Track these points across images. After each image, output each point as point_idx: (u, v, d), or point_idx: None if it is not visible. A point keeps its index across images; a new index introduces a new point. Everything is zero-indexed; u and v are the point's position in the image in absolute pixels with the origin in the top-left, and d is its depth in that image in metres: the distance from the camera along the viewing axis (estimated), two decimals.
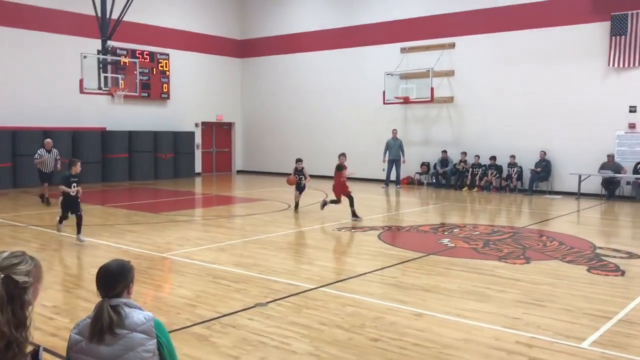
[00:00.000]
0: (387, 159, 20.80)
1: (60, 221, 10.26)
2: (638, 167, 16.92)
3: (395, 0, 21.87)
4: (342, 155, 13.44)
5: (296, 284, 7.30)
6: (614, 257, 9.07)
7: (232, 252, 9.30)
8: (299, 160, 14.03)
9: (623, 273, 8.06)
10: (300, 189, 13.90)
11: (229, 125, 27.21)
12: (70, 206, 9.98)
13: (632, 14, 16.97)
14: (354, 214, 12.67)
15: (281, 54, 25.59)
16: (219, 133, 26.90)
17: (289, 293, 6.88)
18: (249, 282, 7.40)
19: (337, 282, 7.56)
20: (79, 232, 9.92)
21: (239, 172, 27.29)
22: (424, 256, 9.12)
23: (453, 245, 10.02)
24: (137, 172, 22.38)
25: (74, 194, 9.84)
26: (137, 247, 9.57)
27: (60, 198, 10.31)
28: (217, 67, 26.11)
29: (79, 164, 10.14)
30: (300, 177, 13.88)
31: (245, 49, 26.92)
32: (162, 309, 6.29)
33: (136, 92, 19.42)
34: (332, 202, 13.18)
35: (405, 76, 21.30)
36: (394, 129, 21.12)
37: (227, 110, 26.60)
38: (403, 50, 21.65)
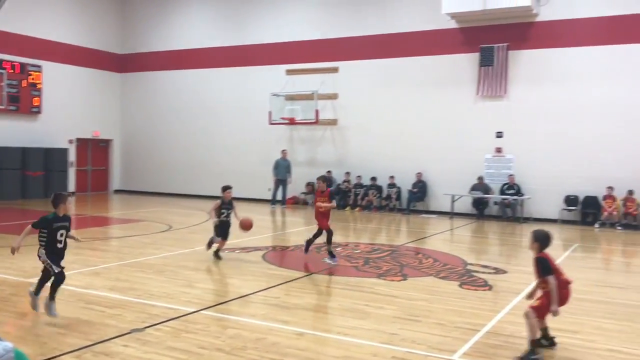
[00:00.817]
0: (275, 178, 20.83)
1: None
2: (504, 188, 18.27)
3: (283, 22, 22.18)
4: (320, 178, 10.54)
5: (175, 308, 7.04)
6: (483, 272, 9.67)
7: (107, 276, 8.81)
8: (227, 188, 10.27)
9: (491, 287, 8.60)
10: (224, 231, 10.18)
11: (107, 142, 26.00)
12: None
13: (499, 47, 18.44)
14: (330, 253, 10.25)
15: (166, 69, 24.96)
16: (95, 150, 25.60)
17: (168, 317, 6.62)
18: (124, 307, 7.02)
19: (219, 304, 7.39)
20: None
21: (116, 191, 26.08)
22: (307, 275, 9.18)
23: (335, 263, 10.18)
24: (2, 191, 20.67)
25: (60, 245, 6.54)
26: None
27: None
28: (95, 82, 24.93)
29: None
30: (228, 212, 10.24)
31: (126, 63, 25.95)
32: (26, 339, 5.80)
33: (2, 105, 18.01)
34: (314, 236, 10.57)
35: (291, 97, 21.58)
36: (284, 149, 21.28)
37: (105, 126, 25.41)
38: (289, 72, 21.94)
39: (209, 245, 10.31)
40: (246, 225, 9.98)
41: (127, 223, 15.62)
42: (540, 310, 5.60)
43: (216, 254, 10.24)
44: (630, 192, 16.53)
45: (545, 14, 17.87)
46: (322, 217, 10.29)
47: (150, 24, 25.29)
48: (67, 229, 6.55)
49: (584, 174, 17.20)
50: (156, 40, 25.18)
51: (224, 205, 10.13)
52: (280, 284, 8.55)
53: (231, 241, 12.40)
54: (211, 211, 10.20)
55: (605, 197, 16.83)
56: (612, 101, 16.98)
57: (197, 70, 24.14)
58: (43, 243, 6.42)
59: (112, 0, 25.60)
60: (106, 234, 14.23)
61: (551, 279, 5.51)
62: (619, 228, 16.39)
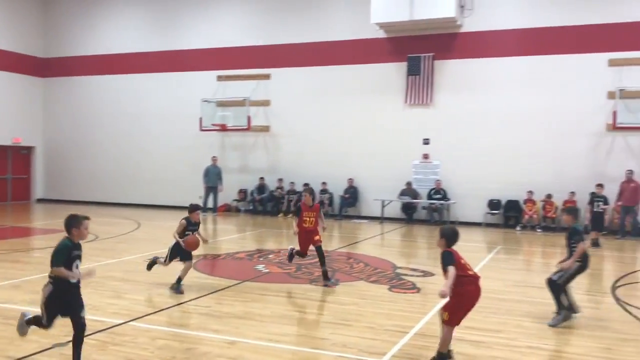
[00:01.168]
0: (206, 186, 20.54)
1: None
2: (431, 193, 18.82)
3: (215, 27, 21.98)
4: (306, 190, 9.67)
5: (102, 320, 6.84)
6: (412, 275, 9.93)
7: (29, 289, 8.44)
8: (195, 209, 8.87)
9: (419, 290, 8.85)
10: (186, 252, 8.65)
11: (28, 149, 24.88)
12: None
13: (425, 56, 19.02)
14: (324, 275, 9.12)
15: (92, 74, 24.17)
16: (16, 158, 24.44)
17: (94, 330, 6.42)
18: None
19: (148, 315, 7.24)
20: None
21: (39, 200, 24.98)
22: (239, 283, 9.14)
23: (268, 271, 10.19)
24: None
25: (74, 280, 5.24)
26: None
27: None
28: (14, 86, 23.82)
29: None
30: (193, 233, 8.75)
31: (49, 67, 24.93)
32: None
33: None
34: (297, 254, 9.50)
35: (223, 104, 21.41)
36: (214, 156, 21.04)
37: (26, 133, 24.31)
38: (220, 78, 21.76)
39: (151, 266, 9.09)
40: (192, 244, 8.57)
41: (50, 233, 14.99)
42: (453, 313, 5.51)
43: (177, 285, 8.49)
44: (549, 196, 17.41)
45: (469, 26, 18.61)
46: (307, 237, 9.07)
47: (76, 27, 24.43)
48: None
49: (505, 179, 17.97)
50: (82, 44, 24.34)
51: (190, 226, 8.74)
52: (211, 292, 8.46)
53: (160, 250, 12.14)
54: (175, 234, 8.59)
55: (525, 201, 17.67)
56: (531, 109, 17.85)
57: (126, 76, 23.53)
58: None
59: (34, 2, 24.57)
60: (28, 245, 13.62)
61: (451, 269, 5.40)
62: (539, 230, 17.22)
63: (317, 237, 9.05)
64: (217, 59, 21.89)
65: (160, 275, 9.58)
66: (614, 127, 16.79)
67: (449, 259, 5.53)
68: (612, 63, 16.91)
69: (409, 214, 19.09)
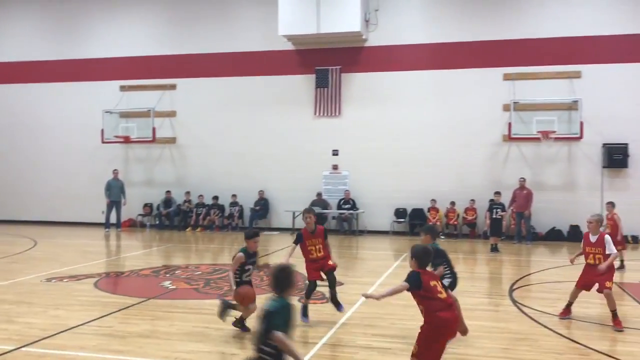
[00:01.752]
0: (108, 200, 19.66)
1: None
2: (341, 203, 19.09)
3: (117, 36, 21.21)
4: (308, 211, 8.06)
5: None
6: (321, 286, 9.90)
7: None
8: (254, 235, 7.38)
9: (328, 300, 8.87)
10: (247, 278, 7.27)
11: None
12: None
13: (332, 69, 19.34)
14: (334, 300, 7.96)
15: None
16: None
17: None
18: None
19: (43, 339, 6.79)
20: None
21: None
22: (144, 301, 8.79)
23: (174, 287, 9.89)
24: None
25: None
26: None
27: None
28: None
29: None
30: (253, 269, 7.39)
31: None
32: None
33: None
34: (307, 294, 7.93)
35: (126, 115, 20.69)
36: (115, 169, 20.20)
37: None
38: (123, 88, 21.02)
39: (224, 312, 7.12)
40: (245, 298, 6.87)
41: None
42: (423, 345, 4.93)
43: (241, 324, 7.14)
44: (452, 204, 18.16)
45: (374, 40, 19.13)
46: (318, 265, 7.89)
47: None
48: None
49: (411, 188, 18.56)
50: None
51: (249, 259, 7.15)
52: (115, 312, 8.09)
53: (59, 269, 11.54)
54: (231, 273, 7.08)
55: (429, 209, 18.33)
56: (434, 120, 18.58)
57: (23, 85, 22.15)
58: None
59: None
60: None
61: (405, 284, 4.92)
62: (442, 237, 17.90)
63: (330, 262, 7.87)
64: (120, 69, 21.13)
65: (58, 297, 9.05)
66: (509, 138, 17.80)
67: (413, 279, 4.90)
68: (507, 77, 17.95)
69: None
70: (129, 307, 8.40)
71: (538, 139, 17.32)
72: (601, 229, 8.02)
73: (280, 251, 15.03)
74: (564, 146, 17.66)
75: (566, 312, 7.96)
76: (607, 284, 7.50)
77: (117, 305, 8.46)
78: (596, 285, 7.68)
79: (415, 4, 19.06)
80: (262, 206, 19.67)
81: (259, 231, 7.74)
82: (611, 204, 12.85)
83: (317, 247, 7.78)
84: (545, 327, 7.48)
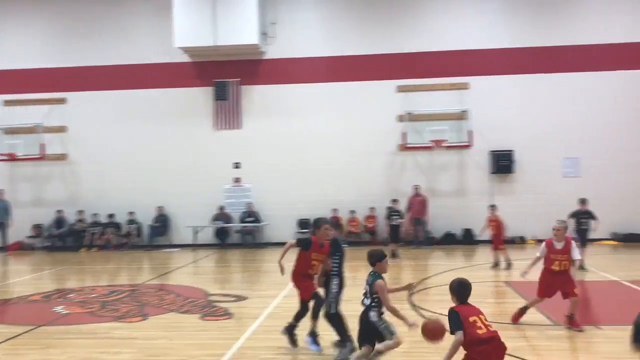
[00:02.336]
0: None
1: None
2: (244, 217, 18.93)
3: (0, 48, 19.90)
4: (325, 222, 7.11)
5: None
6: (225, 301, 9.82)
7: None
8: (383, 257, 6.02)
9: (232, 316, 8.78)
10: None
11: None
12: None
13: (231, 81, 19.21)
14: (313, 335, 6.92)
15: None
16: None
17: None
18: None
19: None
20: None
21: None
22: (33, 329, 8.23)
23: (68, 312, 9.34)
24: None
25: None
26: None
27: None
28: None
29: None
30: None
31: None
32: None
33: None
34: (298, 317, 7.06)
35: (11, 131, 19.41)
36: (1, 189, 18.86)
37: None
38: (7, 102, 19.71)
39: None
40: (435, 334, 5.09)
41: None
42: None
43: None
44: (352, 212, 18.55)
45: (272, 53, 19.23)
46: (311, 279, 7.07)
47: None
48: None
49: (313, 199, 18.74)
50: None
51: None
52: (1, 342, 7.51)
53: None
54: (390, 304, 5.99)
55: (332, 218, 18.61)
56: (334, 131, 18.94)
57: None
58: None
59: None
60: None
61: (458, 335, 4.67)
62: (345, 245, 18.16)
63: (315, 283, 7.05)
64: (3, 82, 19.79)
65: None
66: (404, 147, 18.49)
67: (454, 321, 4.71)
68: (400, 89, 18.65)
69: (222, 239, 18.96)
70: (16, 336, 7.84)
71: (431, 147, 18.14)
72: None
73: (179, 269, 14.65)
74: (455, 154, 18.59)
75: (519, 316, 7.81)
76: (575, 290, 7.48)
77: (3, 336, 7.87)
78: (559, 292, 7.60)
79: (312, 19, 19.39)
80: (162, 222, 19.09)
81: (384, 254, 6.15)
82: (493, 207, 13.71)
83: (319, 262, 6.97)
84: None
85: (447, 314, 4.83)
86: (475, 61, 18.61)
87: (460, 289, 4.94)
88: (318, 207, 18.65)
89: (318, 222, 7.02)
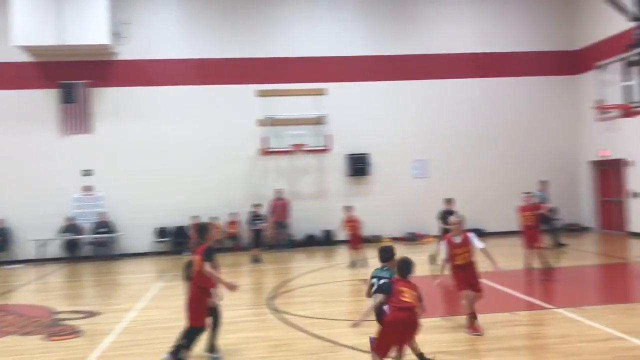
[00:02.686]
0: None
1: None
2: (96, 227, 17.79)
3: None
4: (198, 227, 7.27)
5: None
6: (74, 318, 9.12)
7: None
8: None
9: (81, 333, 8.17)
10: None
11: None
12: None
13: (80, 83, 18.01)
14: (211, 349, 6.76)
15: None
16: None
17: None
18: None
19: None
20: None
21: None
22: None
23: None
24: None
25: None
26: None
27: None
28: None
29: None
30: None
31: None
32: None
33: None
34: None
35: None
36: None
37: None
38: None
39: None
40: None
41: None
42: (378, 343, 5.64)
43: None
44: (214, 218, 18.16)
45: (127, 54, 18.30)
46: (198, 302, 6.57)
47: None
48: None
49: (172, 206, 18.10)
50: None
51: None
52: None
53: None
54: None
55: (191, 226, 18.07)
56: (194, 136, 18.43)
57: None
58: None
59: None
60: None
61: (378, 297, 5.77)
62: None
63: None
64: None
65: None
66: (265, 152, 18.52)
67: (385, 286, 5.76)
68: (260, 94, 18.64)
69: (72, 252, 17.66)
70: None
71: (291, 151, 18.35)
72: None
73: (23, 286, 13.41)
74: (314, 158, 18.96)
75: (476, 327, 7.32)
76: (479, 286, 7.47)
77: None
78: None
79: (169, 19, 18.78)
80: (2, 236, 17.37)
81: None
82: (349, 208, 14.19)
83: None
84: (302, 330, 7.85)
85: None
86: (332, 68, 19.14)
87: (402, 265, 5.82)
88: (177, 214, 18.13)
89: (209, 228, 6.95)
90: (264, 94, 18.50)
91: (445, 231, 13.38)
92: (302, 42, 19.09)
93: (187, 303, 6.60)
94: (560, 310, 8.02)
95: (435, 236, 16.95)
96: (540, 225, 11.61)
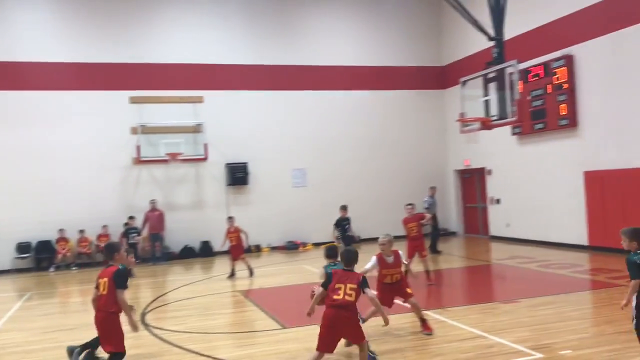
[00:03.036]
0: None
1: None
2: None
3: None
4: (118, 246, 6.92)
5: None
6: None
7: None
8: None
9: None
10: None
11: None
12: None
13: None
14: None
15: None
16: None
17: None
18: None
19: None
20: None
21: None
22: None
23: None
24: None
25: None
26: None
27: None
28: None
29: None
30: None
31: None
32: None
33: None
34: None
35: None
36: None
37: None
38: None
39: None
40: None
41: None
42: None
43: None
44: (82, 232, 17.17)
45: None
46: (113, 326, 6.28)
47: None
48: None
49: (35, 219, 16.82)
50: None
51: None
52: None
53: None
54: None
55: (58, 240, 16.94)
56: (60, 145, 17.29)
57: None
58: None
59: None
60: None
61: (320, 290, 6.01)
62: (74, 268, 16.74)
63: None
64: None
65: None
66: (139, 161, 17.81)
67: (327, 277, 5.97)
68: (133, 100, 17.91)
69: None
70: None
71: (167, 161, 17.80)
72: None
73: None
74: (191, 167, 18.54)
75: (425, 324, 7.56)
76: (408, 290, 7.52)
77: None
78: (397, 299, 7.63)
79: (39, 20, 17.52)
80: None
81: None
82: (231, 219, 14.00)
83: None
84: (176, 345, 7.59)
85: None
86: (211, 75, 18.85)
87: (345, 254, 6.08)
88: (42, 227, 16.95)
89: (116, 247, 6.64)
90: (137, 100, 17.84)
91: (341, 239, 13.56)
92: (179, 48, 18.66)
93: (100, 331, 6.24)
94: (428, 312, 8.43)
95: (314, 244, 17.34)
96: (424, 234, 11.65)
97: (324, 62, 19.99)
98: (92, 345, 6.75)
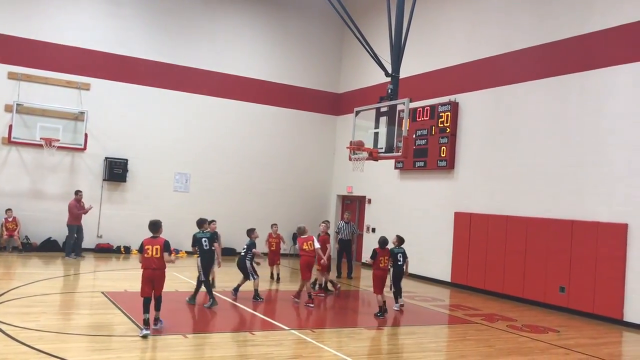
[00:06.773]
0: None
1: None
2: None
3: None
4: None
5: None
6: None
7: None
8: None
9: None
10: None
11: None
12: None
13: None
14: None
15: None
16: None
17: None
18: None
19: None
20: None
21: None
22: None
23: None
24: None
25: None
26: None
27: None
28: None
29: None
30: None
31: None
32: None
33: None
34: None
35: None
36: None
37: None
38: None
39: None
40: None
41: None
42: None
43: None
44: None
45: None
46: None
47: None
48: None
49: None
50: None
51: None
52: None
53: None
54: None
55: None
56: None
57: None
58: None
59: None
60: None
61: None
62: None
63: None
64: None
65: None
66: (9, 141, 16.48)
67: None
68: (12, 76, 16.62)
69: None
70: None
71: (41, 145, 16.61)
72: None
73: None
74: (67, 155, 17.42)
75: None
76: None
77: None
78: None
79: None
80: None
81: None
82: (275, 225, 14.28)
83: None
84: (24, 344, 7.02)
85: None
86: (101, 63, 17.91)
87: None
88: None
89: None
90: (15, 76, 16.58)
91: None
92: (72, 31, 17.59)
93: None
94: (295, 332, 8.48)
95: (188, 252, 16.87)
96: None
97: (225, 69, 19.74)
98: None
